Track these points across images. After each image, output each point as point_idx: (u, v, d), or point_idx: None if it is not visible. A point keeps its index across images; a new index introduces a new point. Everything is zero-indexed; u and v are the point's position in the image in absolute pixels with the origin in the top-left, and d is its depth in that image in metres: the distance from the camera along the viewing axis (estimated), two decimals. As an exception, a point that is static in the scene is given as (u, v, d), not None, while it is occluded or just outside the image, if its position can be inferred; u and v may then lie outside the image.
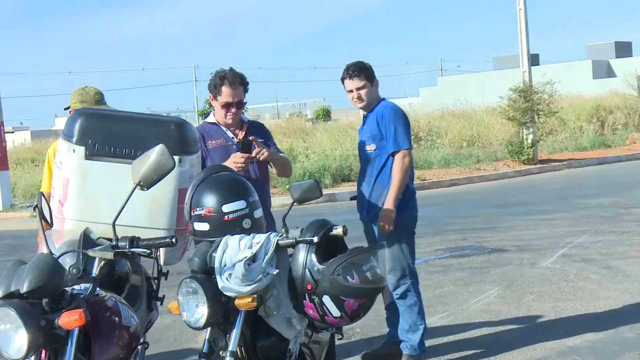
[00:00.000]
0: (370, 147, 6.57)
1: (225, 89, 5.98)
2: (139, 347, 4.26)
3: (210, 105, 6.77)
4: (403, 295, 6.44)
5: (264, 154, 5.83)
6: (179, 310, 3.96)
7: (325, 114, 64.18)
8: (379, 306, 5.72)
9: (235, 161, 5.66)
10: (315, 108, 68.75)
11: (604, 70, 62.62)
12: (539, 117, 28.26)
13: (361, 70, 6.52)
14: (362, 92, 6.49)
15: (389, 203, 6.24)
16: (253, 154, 5.81)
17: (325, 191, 21.98)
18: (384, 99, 6.68)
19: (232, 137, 6.09)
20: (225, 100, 6.00)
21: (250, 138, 5.99)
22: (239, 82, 6.05)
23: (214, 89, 6.05)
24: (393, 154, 6.32)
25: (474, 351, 6.68)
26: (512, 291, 9.05)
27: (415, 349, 6.39)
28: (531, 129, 27.96)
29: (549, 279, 9.55)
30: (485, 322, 7.51)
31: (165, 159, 3.86)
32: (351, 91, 6.51)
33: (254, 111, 62.46)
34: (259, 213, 4.25)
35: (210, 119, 6.36)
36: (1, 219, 22.67)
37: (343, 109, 76.94)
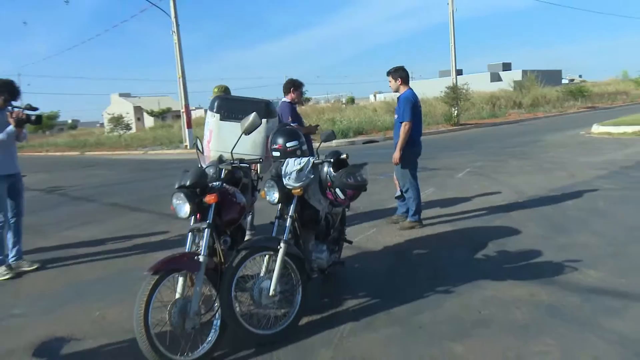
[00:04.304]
0: (395, 116, 6.57)
1: (302, 89, 6.72)
2: (246, 213, 4.32)
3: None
4: (406, 191, 6.55)
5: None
6: (265, 195, 4.03)
7: (352, 100, 63.41)
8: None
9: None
10: (346, 97, 67.85)
11: (496, 78, 60.99)
12: (460, 102, 27.85)
13: (389, 73, 6.55)
14: (391, 85, 6.57)
15: (396, 149, 6.34)
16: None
17: (349, 139, 22.00)
18: (409, 89, 6.46)
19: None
20: (302, 91, 6.78)
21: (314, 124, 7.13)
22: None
23: (298, 88, 6.67)
24: (401, 123, 6.27)
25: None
26: (440, 189, 8.99)
27: (414, 218, 6.52)
28: (456, 108, 27.62)
29: (459, 184, 9.47)
30: (425, 203, 7.47)
31: (257, 120, 3.92)
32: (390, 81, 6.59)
33: (314, 100, 61.84)
34: (305, 147, 4.25)
35: (286, 100, 6.49)
36: (188, 152, 22.96)
37: (362, 97, 75.96)
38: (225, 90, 5.97)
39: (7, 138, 5.42)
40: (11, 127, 5.39)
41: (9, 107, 5.47)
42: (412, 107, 6.27)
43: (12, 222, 5.75)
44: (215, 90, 5.96)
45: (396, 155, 6.32)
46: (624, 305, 3.86)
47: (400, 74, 6.45)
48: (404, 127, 6.25)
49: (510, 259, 5.10)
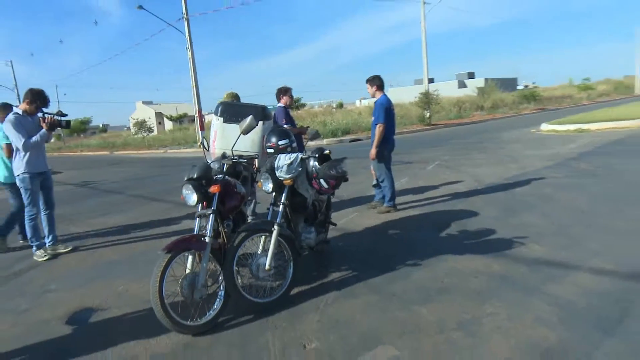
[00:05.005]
0: (372, 118, 6.48)
1: (290, 92, 6.44)
2: (246, 201, 4.31)
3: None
4: (382, 181, 6.53)
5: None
6: (261, 185, 4.03)
7: (341, 105, 63.17)
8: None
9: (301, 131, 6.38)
10: (336, 102, 67.53)
11: (462, 85, 60.83)
12: (431, 106, 27.87)
13: (368, 81, 6.46)
14: (369, 91, 6.48)
15: (372, 147, 6.34)
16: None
17: (338, 138, 21.92)
18: (384, 95, 6.42)
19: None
20: (291, 94, 6.53)
21: (305, 126, 6.74)
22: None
23: (286, 93, 6.49)
24: (376, 124, 6.25)
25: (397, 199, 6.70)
26: (413, 179, 8.99)
27: (389, 204, 6.49)
28: (428, 111, 27.59)
29: (429, 175, 9.48)
30: (400, 191, 7.51)
31: (253, 122, 3.90)
32: (368, 88, 6.51)
33: (309, 105, 61.41)
34: (294, 145, 4.23)
35: (281, 105, 6.43)
36: (202, 151, 22.69)
37: (349, 102, 75.68)
38: (235, 96, 5.95)
39: (40, 140, 5.38)
40: (44, 131, 5.36)
41: (40, 114, 5.44)
42: (386, 111, 6.26)
43: (45, 213, 5.73)
44: (226, 96, 5.94)
45: (372, 152, 6.34)
46: (563, 274, 3.90)
47: (376, 82, 6.42)
48: (378, 128, 6.24)
49: (469, 237, 5.13)
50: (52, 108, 5.56)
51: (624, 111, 20.66)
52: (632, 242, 4.54)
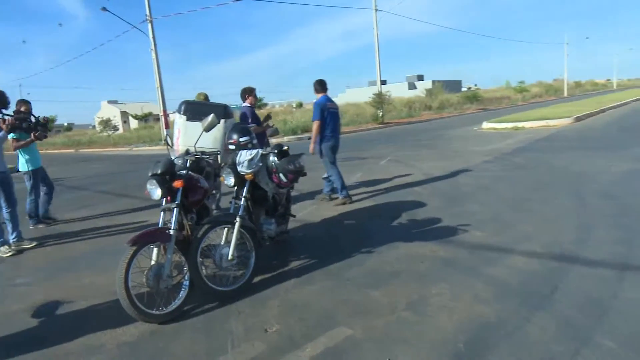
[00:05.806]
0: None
1: (255, 93, 6.24)
2: (209, 195, 4.24)
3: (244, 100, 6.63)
4: (330, 176, 6.55)
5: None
6: (224, 180, 3.97)
7: (300, 105, 62.99)
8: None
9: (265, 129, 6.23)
10: (295, 102, 67.22)
11: (412, 86, 62.03)
12: (384, 105, 28.21)
13: (314, 86, 6.46)
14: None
15: (311, 142, 6.34)
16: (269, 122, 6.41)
17: (298, 136, 21.87)
18: (324, 95, 6.42)
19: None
20: (255, 95, 6.34)
21: (269, 115, 6.55)
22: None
23: (251, 93, 6.30)
24: (313, 122, 6.27)
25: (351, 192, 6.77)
26: (367, 174, 9.09)
27: (342, 194, 6.52)
28: (381, 110, 27.93)
29: (382, 169, 9.60)
30: (355, 184, 7.58)
31: (214, 120, 3.83)
32: None
33: (270, 104, 60.88)
34: (255, 141, 4.18)
35: (246, 104, 6.32)
36: (164, 148, 22.09)
37: (309, 102, 75.49)
38: (205, 97, 5.82)
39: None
40: (3, 132, 5.08)
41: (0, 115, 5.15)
42: (321, 110, 6.31)
43: (8, 211, 5.45)
44: (197, 97, 5.80)
45: (310, 147, 6.39)
46: (498, 257, 4.06)
47: (315, 86, 6.52)
48: (314, 125, 6.31)
49: (417, 225, 5.25)
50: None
51: (553, 111, 21.68)
52: (558, 226, 4.79)
